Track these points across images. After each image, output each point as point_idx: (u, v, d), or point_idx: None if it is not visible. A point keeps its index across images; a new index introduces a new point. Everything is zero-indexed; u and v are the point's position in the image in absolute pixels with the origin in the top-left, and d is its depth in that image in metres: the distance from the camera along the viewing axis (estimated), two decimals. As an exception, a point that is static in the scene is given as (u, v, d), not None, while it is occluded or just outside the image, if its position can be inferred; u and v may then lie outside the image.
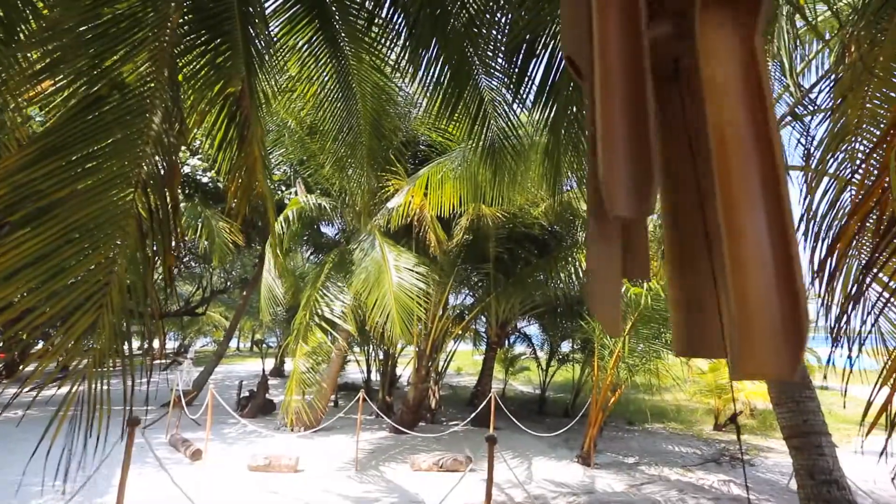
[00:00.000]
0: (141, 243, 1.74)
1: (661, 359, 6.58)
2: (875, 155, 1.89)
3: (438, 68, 3.26)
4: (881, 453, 1.52)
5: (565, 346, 11.82)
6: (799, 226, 2.25)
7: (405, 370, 12.11)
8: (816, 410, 4.11)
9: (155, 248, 1.82)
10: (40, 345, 1.59)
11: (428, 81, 3.33)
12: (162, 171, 1.86)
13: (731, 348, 0.52)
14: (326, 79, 3.70)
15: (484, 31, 3.13)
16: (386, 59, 3.64)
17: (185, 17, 2.37)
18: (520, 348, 13.48)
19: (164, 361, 17.95)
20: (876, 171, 1.52)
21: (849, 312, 1.78)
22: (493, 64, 3.39)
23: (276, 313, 13.11)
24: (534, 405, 11.34)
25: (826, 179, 2.80)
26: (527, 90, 3.30)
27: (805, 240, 2.36)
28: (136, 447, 3.55)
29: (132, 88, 1.89)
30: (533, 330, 12.49)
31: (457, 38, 3.08)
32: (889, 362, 1.56)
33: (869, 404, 1.60)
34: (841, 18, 3.46)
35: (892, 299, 1.71)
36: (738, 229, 0.52)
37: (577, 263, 7.65)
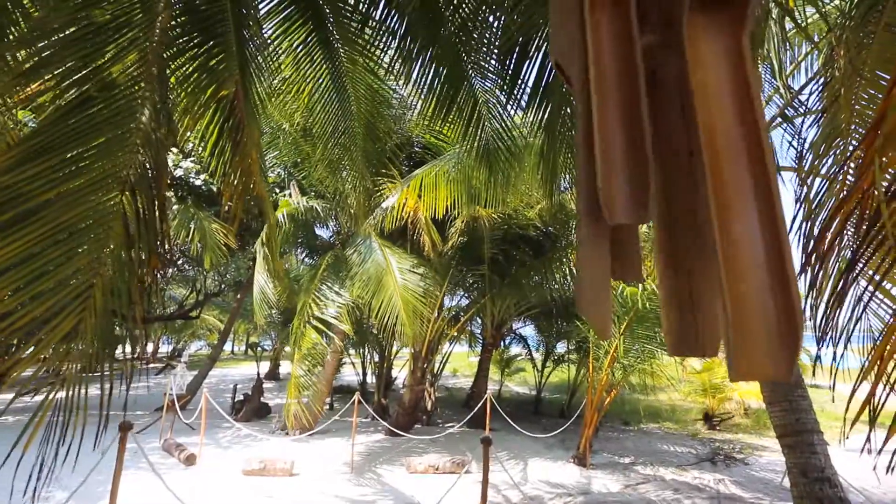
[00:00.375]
0: (127, 245, 1.73)
1: (656, 359, 6.62)
2: (860, 153, 1.92)
3: (432, 70, 3.27)
4: (862, 449, 1.54)
5: (561, 347, 11.85)
6: (791, 226, 2.28)
7: (401, 372, 12.10)
8: (808, 409, 4.15)
9: (141, 251, 1.80)
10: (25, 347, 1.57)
11: (422, 83, 3.34)
12: (150, 172, 1.85)
13: (727, 350, 0.52)
14: (321, 81, 3.69)
15: (477, 34, 3.14)
16: (379, 61, 3.65)
17: (178, 20, 2.36)
18: (515, 349, 13.49)
19: (157, 366, 17.79)
20: (858, 171, 1.55)
21: (833, 309, 1.81)
22: (487, 66, 3.41)
23: (270, 316, 13.08)
24: (529, 406, 11.35)
25: (818, 181, 2.84)
26: (520, 92, 3.32)
27: (798, 240, 2.39)
28: (129, 452, 3.51)
29: (121, 89, 1.87)
30: (528, 331, 12.52)
31: (450, 41, 3.09)
32: (871, 358, 1.58)
33: (851, 398, 1.62)
34: (829, 21, 3.51)
35: (876, 294, 1.74)
36: (730, 231, 0.52)
37: (572, 264, 7.68)
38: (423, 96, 3.46)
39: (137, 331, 1.78)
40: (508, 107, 3.66)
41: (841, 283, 1.71)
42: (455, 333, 9.21)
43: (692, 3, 0.57)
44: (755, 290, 0.51)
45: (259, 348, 18.19)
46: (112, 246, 1.69)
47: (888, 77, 2.61)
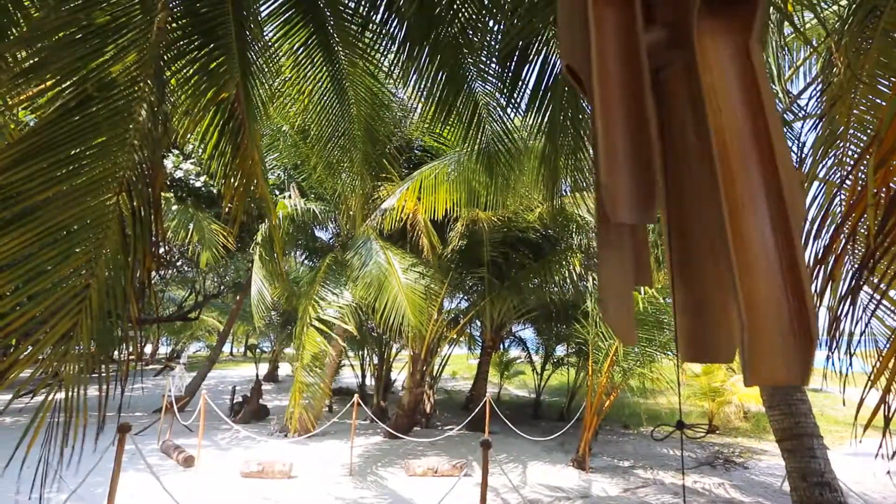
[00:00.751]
0: (124, 245, 1.73)
1: (656, 362, 6.61)
2: (864, 161, 1.93)
3: (432, 73, 3.28)
4: (876, 454, 1.54)
5: (560, 350, 11.84)
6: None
7: (400, 375, 12.08)
8: (808, 413, 4.14)
9: (137, 251, 1.80)
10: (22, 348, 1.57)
11: (422, 86, 3.35)
12: (147, 173, 1.85)
13: (742, 354, 0.52)
14: (321, 83, 3.71)
15: (477, 38, 3.15)
16: (379, 64, 3.66)
17: (179, 23, 2.36)
18: (515, 352, 13.48)
19: (156, 367, 17.75)
20: (863, 177, 1.55)
21: (841, 315, 1.81)
22: (487, 69, 3.42)
23: (269, 318, 13.07)
24: (529, 409, 11.33)
25: (816, 184, 2.85)
26: (521, 95, 3.33)
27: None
28: (127, 454, 3.50)
29: (120, 89, 1.88)
30: (528, 334, 12.50)
31: (450, 44, 3.10)
32: (879, 364, 1.58)
33: (860, 404, 1.62)
34: (827, 26, 3.52)
35: (883, 301, 1.74)
36: (743, 234, 0.52)
37: (572, 267, 7.68)
38: (423, 99, 3.47)
39: (133, 332, 1.78)
40: (508, 110, 3.67)
41: (849, 288, 1.71)
42: (454, 336, 9.20)
43: (701, 7, 0.58)
44: (769, 293, 0.50)
45: (258, 350, 18.16)
46: (108, 246, 1.69)
47: (886, 82, 2.62)
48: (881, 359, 1.64)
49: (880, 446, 1.53)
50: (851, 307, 1.81)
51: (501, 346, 12.34)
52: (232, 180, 2.66)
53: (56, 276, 1.60)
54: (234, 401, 9.96)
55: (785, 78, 4.69)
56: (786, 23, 3.87)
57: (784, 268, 0.51)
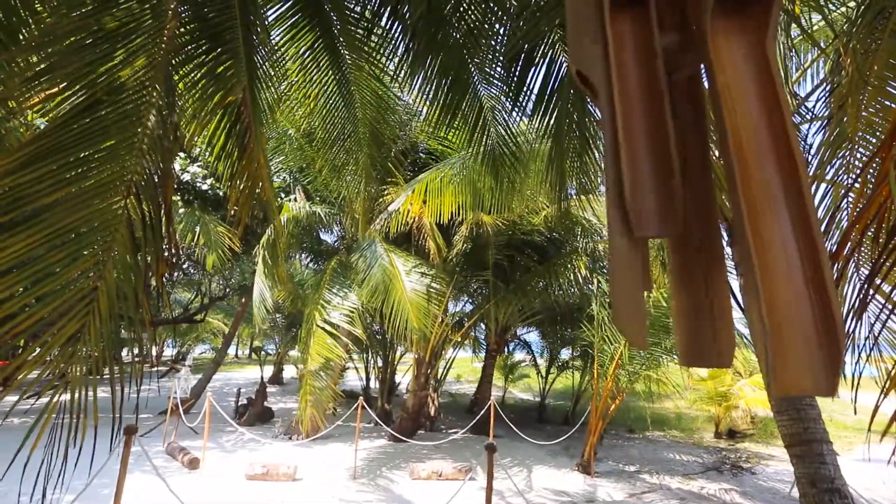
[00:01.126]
0: (133, 249, 1.74)
1: (661, 366, 6.57)
2: (874, 164, 1.91)
3: (438, 77, 3.28)
4: (889, 460, 1.52)
5: (565, 354, 11.79)
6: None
7: (404, 377, 12.06)
8: (817, 418, 4.09)
9: (147, 255, 1.81)
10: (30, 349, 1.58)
11: (427, 90, 3.35)
12: (156, 177, 1.86)
13: (765, 362, 0.50)
14: (327, 86, 3.72)
15: (483, 41, 3.16)
16: (385, 68, 3.67)
17: (187, 27, 2.39)
18: (519, 355, 13.43)
19: (161, 369, 17.85)
20: (874, 181, 1.53)
21: (852, 321, 1.78)
22: (492, 72, 3.42)
23: (274, 320, 13.11)
24: (533, 413, 11.28)
25: (823, 186, 2.83)
26: (526, 98, 3.33)
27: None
28: (133, 455, 3.52)
29: (129, 94, 1.89)
30: (532, 337, 12.46)
31: (456, 48, 3.11)
32: (893, 370, 1.56)
33: (875, 410, 1.60)
34: (835, 28, 3.50)
35: (894, 310, 1.71)
36: (763, 236, 0.50)
37: (577, 270, 7.65)
38: (428, 102, 3.48)
39: (145, 335, 1.79)
40: (514, 113, 3.67)
41: (860, 294, 1.69)
42: (459, 339, 9.18)
43: (714, 8, 0.57)
44: (792, 298, 0.48)
45: (263, 352, 18.22)
46: (117, 249, 1.70)
47: (895, 84, 2.59)
48: (894, 365, 1.62)
49: (894, 452, 1.51)
50: (859, 314, 1.79)
51: (506, 349, 12.31)
52: (238, 183, 2.68)
53: (64, 278, 1.61)
54: (239, 403, 9.99)
55: (792, 80, 4.66)
56: (793, 25, 3.85)
57: (807, 271, 0.49)
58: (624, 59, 0.60)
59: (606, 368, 6.55)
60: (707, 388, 9.74)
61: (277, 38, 3.27)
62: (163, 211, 1.85)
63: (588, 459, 6.44)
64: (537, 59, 3.09)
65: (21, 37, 2.12)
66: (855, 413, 1.57)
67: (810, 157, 3.17)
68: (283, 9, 3.16)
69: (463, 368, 18.13)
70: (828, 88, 3.57)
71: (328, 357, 6.45)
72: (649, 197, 0.55)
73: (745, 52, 0.57)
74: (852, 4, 3.19)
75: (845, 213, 2.51)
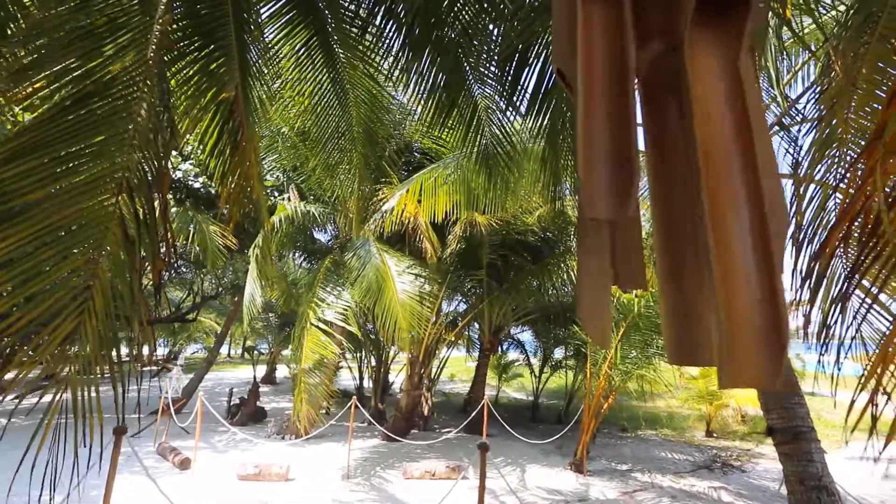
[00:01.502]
0: (127, 247, 1.72)
1: (654, 365, 6.62)
2: (860, 163, 1.94)
3: (432, 76, 3.28)
4: (861, 456, 1.54)
5: (558, 353, 11.84)
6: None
7: (398, 377, 12.06)
8: (805, 416, 4.15)
9: (143, 254, 1.79)
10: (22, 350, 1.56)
11: (422, 89, 3.35)
12: (150, 175, 1.84)
13: (718, 357, 0.53)
14: (321, 85, 3.71)
15: (477, 41, 3.16)
16: (379, 67, 3.66)
17: (179, 24, 2.36)
18: (513, 355, 13.47)
19: (152, 369, 17.68)
20: (859, 180, 1.56)
21: (833, 318, 1.81)
22: (487, 72, 3.43)
23: (267, 319, 13.04)
24: (527, 412, 11.32)
25: (812, 187, 2.86)
26: (520, 98, 3.34)
27: (792, 246, 2.40)
28: (123, 456, 3.49)
29: (119, 89, 1.87)
30: (526, 336, 12.50)
31: (450, 47, 3.11)
32: (870, 367, 1.58)
33: (851, 406, 1.62)
34: (826, 32, 3.54)
35: (874, 305, 1.75)
36: (724, 241, 0.53)
37: (570, 270, 7.69)
38: (422, 101, 3.47)
39: (141, 334, 1.77)
40: (508, 112, 3.68)
41: (841, 290, 1.71)
42: (453, 338, 9.19)
43: (694, 18, 0.58)
44: (745, 299, 0.52)
45: (256, 352, 18.10)
46: (109, 247, 1.67)
47: (884, 87, 2.63)
48: (870, 362, 1.65)
49: (865, 448, 1.54)
50: (842, 312, 1.82)
51: (500, 348, 12.34)
52: (229, 181, 2.66)
53: (54, 277, 1.59)
54: (232, 403, 9.92)
55: (784, 82, 4.71)
56: (784, 28, 3.89)
57: (761, 275, 0.52)
58: (592, 44, 0.61)
59: (599, 368, 6.59)
60: (698, 386, 9.83)
61: (271, 36, 3.26)
62: (158, 209, 1.83)
63: (581, 458, 6.47)
64: (531, 59, 3.10)
65: (9, 31, 2.09)
66: (835, 407, 1.59)
67: (801, 159, 3.21)
68: (277, 6, 3.14)
69: (457, 368, 18.15)
70: (818, 91, 3.62)
71: (322, 354, 6.43)
72: (601, 178, 0.56)
73: (720, 63, 0.58)
74: (842, 8, 3.23)
75: (833, 214, 2.54)
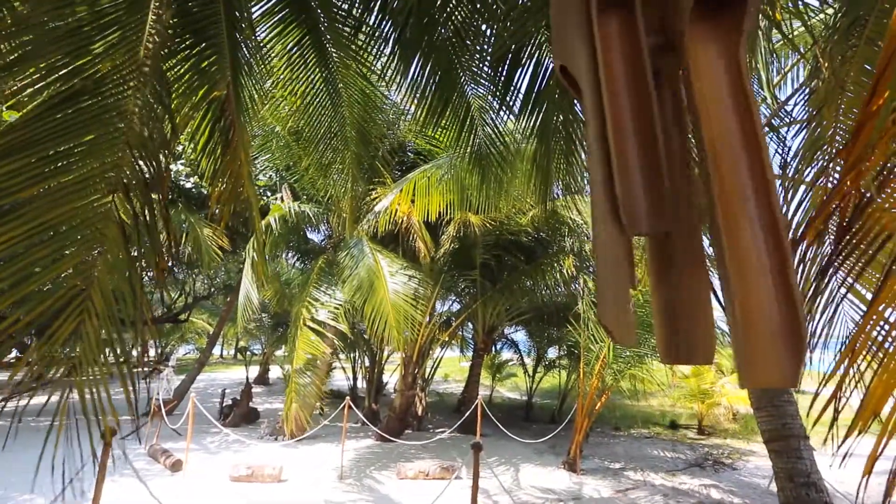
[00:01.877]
0: (125, 248, 1.70)
1: (646, 364, 6.66)
2: (837, 165, 1.97)
3: (425, 76, 3.28)
4: (836, 454, 1.56)
5: (552, 353, 11.88)
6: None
7: (391, 377, 12.03)
8: (795, 414, 4.20)
9: (142, 253, 1.77)
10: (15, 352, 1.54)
11: (415, 89, 3.35)
12: (148, 175, 1.82)
13: (737, 357, 0.52)
14: (314, 84, 3.69)
15: (470, 41, 3.16)
16: (372, 66, 3.66)
17: (170, 21, 2.34)
18: (507, 355, 13.50)
19: (143, 370, 17.49)
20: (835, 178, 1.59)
21: (813, 315, 1.84)
22: (480, 72, 3.43)
23: (260, 320, 12.96)
24: (520, 411, 11.35)
25: (802, 188, 2.89)
26: (513, 98, 3.34)
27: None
28: (112, 459, 3.44)
29: (111, 87, 1.85)
30: (520, 336, 12.53)
31: (443, 47, 3.11)
32: (840, 357, 1.61)
33: (814, 399, 1.65)
34: (814, 35, 3.59)
35: (850, 298, 1.78)
36: (736, 238, 0.53)
37: (564, 269, 7.72)
38: (415, 101, 3.47)
39: (143, 335, 1.75)
40: (501, 113, 3.69)
41: (818, 285, 1.74)
42: (446, 338, 9.19)
43: (693, 14, 0.58)
44: (762, 297, 0.51)
45: (248, 353, 17.98)
46: (105, 248, 1.65)
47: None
48: (838, 357, 1.67)
49: (826, 440, 1.57)
50: (822, 308, 1.85)
51: (493, 348, 12.35)
52: (221, 180, 2.64)
53: (48, 277, 1.56)
54: (224, 404, 9.85)
55: (773, 84, 4.76)
56: (774, 30, 3.93)
57: (774, 271, 0.51)
58: (611, 59, 0.61)
59: (592, 367, 6.62)
60: (690, 385, 9.91)
61: (263, 35, 3.24)
62: (156, 208, 1.81)
63: (574, 457, 6.50)
64: (524, 60, 3.10)
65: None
66: (809, 409, 1.61)
67: (790, 160, 3.24)
68: (269, 4, 3.13)
69: (450, 368, 18.15)
70: (807, 92, 3.66)
71: (314, 354, 6.40)
72: (641, 195, 0.56)
73: (719, 59, 0.58)
74: (830, 11, 3.27)
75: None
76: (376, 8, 3.06)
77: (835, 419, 1.57)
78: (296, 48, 3.41)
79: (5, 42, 1.80)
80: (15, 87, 1.80)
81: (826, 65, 2.72)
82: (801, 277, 1.83)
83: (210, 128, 2.56)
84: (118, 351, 1.68)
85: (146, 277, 1.82)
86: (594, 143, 0.62)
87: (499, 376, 13.24)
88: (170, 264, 10.96)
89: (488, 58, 3.26)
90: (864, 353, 1.55)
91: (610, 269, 0.64)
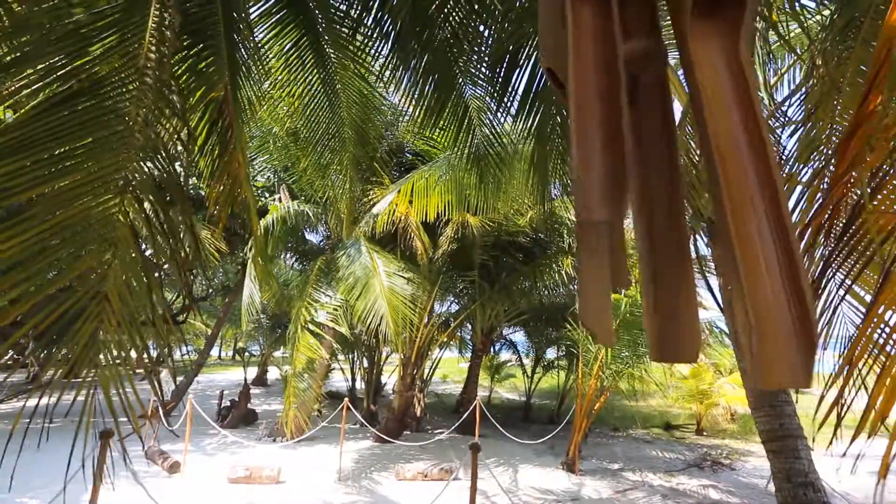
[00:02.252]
0: (138, 250, 1.69)
1: (644, 365, 6.67)
2: (830, 167, 1.98)
3: (423, 77, 3.28)
4: (844, 456, 1.57)
5: (550, 353, 11.88)
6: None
7: (390, 378, 12.01)
8: (793, 414, 4.21)
9: (161, 256, 1.77)
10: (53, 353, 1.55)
11: (413, 90, 3.35)
12: (164, 175, 1.82)
13: (751, 357, 0.52)
14: (311, 85, 3.69)
15: (468, 42, 3.17)
16: (370, 67, 3.66)
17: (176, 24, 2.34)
18: (505, 355, 13.50)
19: (141, 371, 17.45)
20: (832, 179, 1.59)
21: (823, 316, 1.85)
22: (478, 73, 3.44)
23: (259, 321, 12.93)
24: (519, 412, 11.34)
25: (798, 189, 2.90)
26: (511, 99, 3.35)
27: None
28: (109, 460, 3.43)
29: (113, 88, 1.84)
30: (518, 337, 12.53)
31: (441, 49, 3.12)
32: (842, 360, 1.62)
33: (820, 402, 1.65)
34: (811, 36, 3.60)
35: (849, 300, 1.78)
36: (745, 236, 0.52)
37: (562, 270, 7.73)
38: (414, 102, 3.48)
39: (164, 335, 1.75)
40: (499, 114, 3.69)
41: (816, 286, 1.75)
42: (445, 339, 9.19)
43: (693, 10, 0.58)
44: (773, 298, 0.50)
45: (247, 354, 17.94)
46: (117, 251, 1.63)
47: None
48: (841, 359, 1.68)
49: (830, 443, 1.58)
50: (821, 310, 1.85)
51: (492, 349, 12.36)
52: (219, 182, 2.64)
53: (57, 283, 1.55)
54: (222, 405, 9.83)
55: (770, 85, 4.78)
56: (771, 31, 3.95)
57: (784, 268, 0.51)
58: (582, 45, 0.61)
59: (591, 367, 6.63)
60: (688, 386, 9.92)
61: (261, 36, 3.24)
62: (180, 208, 1.81)
63: (573, 458, 6.50)
64: (522, 61, 3.11)
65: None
66: (816, 411, 1.62)
67: (784, 161, 3.25)
68: (267, 5, 3.13)
69: (449, 369, 18.14)
70: (803, 93, 3.67)
71: (310, 357, 6.39)
72: (596, 179, 0.56)
73: (721, 55, 0.58)
74: (827, 13, 3.28)
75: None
76: (374, 8, 3.07)
77: (838, 424, 1.57)
78: (294, 49, 3.41)
79: (3, 41, 1.80)
80: (12, 88, 1.79)
81: (822, 66, 2.73)
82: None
83: (208, 129, 2.56)
84: (148, 351, 1.68)
85: (162, 277, 1.82)
86: (570, 142, 0.62)
87: (497, 377, 13.24)
88: (164, 265, 10.96)
89: (486, 59, 3.26)
90: (865, 356, 1.55)
91: (592, 271, 0.65)
